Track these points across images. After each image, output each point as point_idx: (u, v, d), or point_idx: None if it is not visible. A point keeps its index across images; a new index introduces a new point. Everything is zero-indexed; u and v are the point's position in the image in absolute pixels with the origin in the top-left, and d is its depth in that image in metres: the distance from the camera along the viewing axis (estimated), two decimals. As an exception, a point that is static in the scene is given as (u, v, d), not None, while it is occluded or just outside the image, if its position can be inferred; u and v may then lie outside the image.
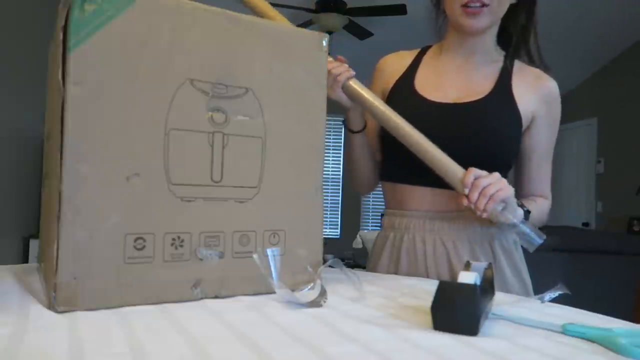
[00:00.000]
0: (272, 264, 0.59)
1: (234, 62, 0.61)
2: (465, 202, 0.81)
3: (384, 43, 3.00)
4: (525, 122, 0.95)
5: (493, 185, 0.79)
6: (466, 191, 0.80)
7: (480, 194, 0.79)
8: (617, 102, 4.92)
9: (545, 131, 0.98)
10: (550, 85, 0.97)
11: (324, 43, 0.69)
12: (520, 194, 1.01)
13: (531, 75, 0.98)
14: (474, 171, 0.81)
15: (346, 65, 0.89)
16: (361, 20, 4.26)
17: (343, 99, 0.89)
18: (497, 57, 0.99)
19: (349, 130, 0.97)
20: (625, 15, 4.19)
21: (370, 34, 4.35)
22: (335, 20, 4.02)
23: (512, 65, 0.98)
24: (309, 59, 0.67)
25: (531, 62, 0.99)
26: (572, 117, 5.36)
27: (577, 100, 5.30)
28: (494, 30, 0.97)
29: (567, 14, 3.99)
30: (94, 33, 0.51)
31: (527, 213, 0.88)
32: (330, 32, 3.99)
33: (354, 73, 0.88)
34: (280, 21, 0.83)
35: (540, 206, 0.98)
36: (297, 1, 3.89)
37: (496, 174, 0.81)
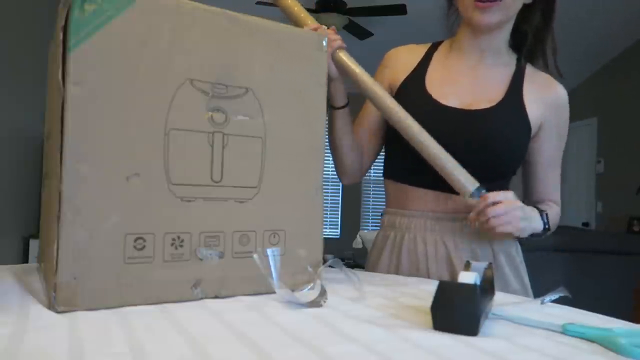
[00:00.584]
0: (272, 264, 0.59)
1: (234, 62, 0.61)
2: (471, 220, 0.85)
3: (384, 43, 2.99)
4: (534, 130, 0.94)
5: (498, 219, 0.81)
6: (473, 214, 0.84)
7: (486, 225, 0.82)
8: (617, 102, 4.92)
9: (553, 138, 0.97)
10: (560, 92, 0.97)
11: (324, 43, 0.69)
12: (530, 200, 1.00)
13: (541, 80, 0.97)
14: (488, 199, 0.82)
15: (339, 35, 0.87)
16: (361, 20, 4.26)
17: (331, 68, 0.86)
18: (509, 60, 0.98)
19: (330, 107, 0.93)
20: (625, 14, 4.19)
21: (370, 34, 4.35)
22: (335, 20, 4.01)
23: (523, 70, 0.97)
24: (309, 59, 0.67)
25: (545, 66, 0.99)
26: (572, 117, 5.25)
27: (577, 100, 5.28)
28: (506, 29, 0.95)
29: (567, 14, 3.98)
30: (94, 33, 0.51)
31: (546, 230, 0.90)
32: (330, 32, 3.98)
33: (345, 45, 0.87)
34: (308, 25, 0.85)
35: (554, 212, 0.98)
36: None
37: (516, 204, 0.82)
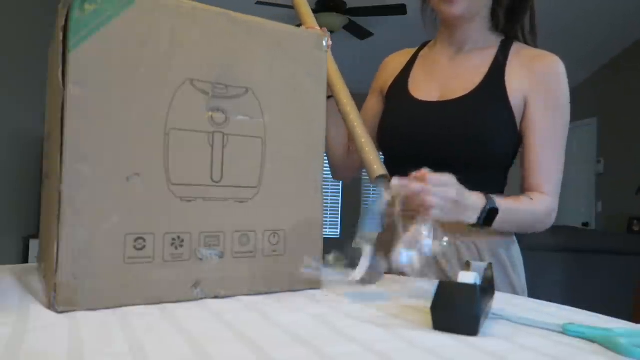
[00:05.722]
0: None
1: (234, 62, 0.61)
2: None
3: (384, 43, 2.99)
4: (518, 110, 0.89)
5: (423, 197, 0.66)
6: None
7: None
8: (617, 102, 4.92)
9: (541, 111, 0.88)
10: (548, 63, 0.89)
11: (324, 43, 0.69)
12: (520, 190, 0.93)
13: (529, 54, 0.92)
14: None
15: None
16: (361, 20, 4.25)
17: None
18: (492, 42, 0.95)
19: None
20: (624, 14, 4.19)
21: (370, 34, 4.35)
22: (335, 20, 4.01)
23: (508, 49, 0.93)
24: (309, 59, 0.67)
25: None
26: (572, 117, 5.33)
27: (577, 100, 5.25)
28: (482, 17, 0.94)
29: (567, 14, 3.99)
30: (94, 33, 0.51)
31: (493, 212, 0.77)
32: (330, 32, 3.99)
33: None
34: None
35: (532, 206, 0.85)
36: (297, 1, 3.88)
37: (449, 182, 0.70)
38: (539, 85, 0.89)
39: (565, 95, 0.90)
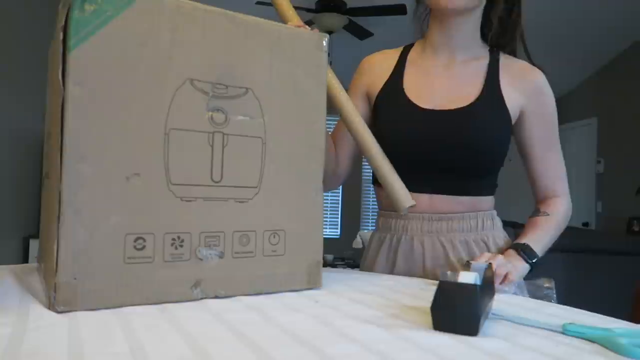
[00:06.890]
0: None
1: (234, 62, 0.61)
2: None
3: (384, 43, 2.99)
4: (513, 119, 0.94)
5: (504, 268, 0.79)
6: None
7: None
8: (616, 102, 4.92)
9: (539, 123, 0.95)
10: (536, 78, 0.95)
11: (324, 43, 0.69)
12: (534, 194, 1.00)
13: (517, 68, 0.96)
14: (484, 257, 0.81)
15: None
16: (361, 20, 4.26)
17: None
18: (482, 52, 0.98)
19: None
20: (623, 15, 4.19)
21: (370, 34, 4.35)
22: (335, 20, 4.02)
23: (497, 59, 0.96)
24: (309, 59, 0.67)
25: (513, 54, 0.99)
26: (572, 117, 5.36)
27: (577, 100, 5.30)
28: (474, 19, 0.95)
29: (566, 15, 3.99)
30: (94, 33, 0.51)
31: (535, 262, 0.88)
32: (330, 32, 3.99)
33: None
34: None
35: (553, 222, 0.96)
36: (297, 1, 3.88)
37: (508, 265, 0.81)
38: (533, 98, 0.95)
39: (554, 103, 0.97)
